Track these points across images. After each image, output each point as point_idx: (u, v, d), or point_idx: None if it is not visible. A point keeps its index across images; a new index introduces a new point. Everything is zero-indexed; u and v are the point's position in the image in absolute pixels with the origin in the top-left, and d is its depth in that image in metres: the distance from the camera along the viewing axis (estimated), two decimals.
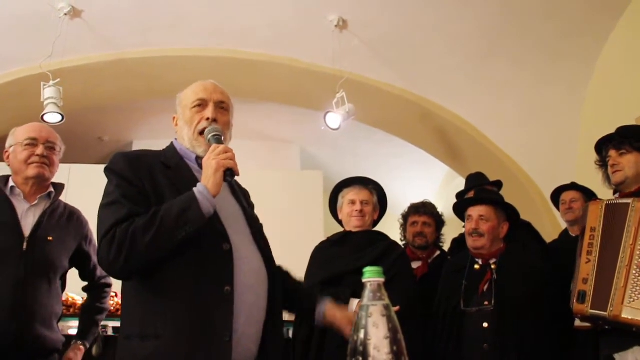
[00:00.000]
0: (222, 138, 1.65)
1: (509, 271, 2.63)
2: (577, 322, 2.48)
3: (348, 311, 1.79)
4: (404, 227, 3.66)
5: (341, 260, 2.77)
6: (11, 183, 2.23)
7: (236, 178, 1.63)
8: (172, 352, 1.41)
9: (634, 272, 2.19)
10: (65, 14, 4.10)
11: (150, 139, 6.36)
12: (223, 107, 1.74)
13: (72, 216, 2.36)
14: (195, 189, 1.50)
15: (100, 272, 2.49)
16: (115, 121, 6.39)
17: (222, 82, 1.81)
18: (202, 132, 1.68)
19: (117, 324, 2.53)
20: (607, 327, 2.29)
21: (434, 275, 3.12)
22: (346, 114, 4.42)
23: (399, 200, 5.07)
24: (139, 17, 4.32)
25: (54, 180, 2.34)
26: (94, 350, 3.04)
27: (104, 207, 1.54)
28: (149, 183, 1.56)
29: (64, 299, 2.41)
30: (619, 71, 4.26)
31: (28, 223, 2.18)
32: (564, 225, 3.62)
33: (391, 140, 5.85)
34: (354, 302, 2.58)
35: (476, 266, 2.72)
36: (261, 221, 1.80)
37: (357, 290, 2.56)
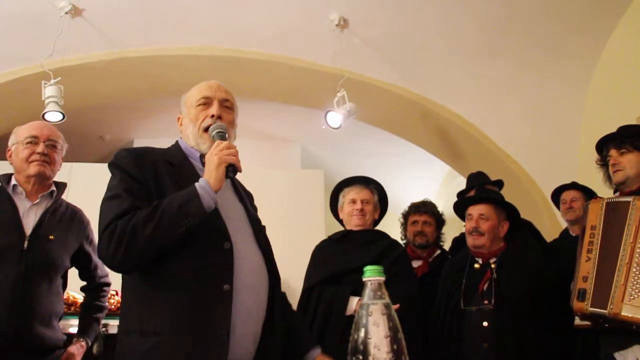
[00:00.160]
0: (226, 135, 1.65)
1: (508, 270, 2.63)
2: (577, 321, 2.48)
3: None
4: (404, 226, 3.66)
5: (342, 258, 2.77)
6: (13, 181, 2.23)
7: (239, 178, 1.63)
8: (171, 348, 1.41)
9: (634, 269, 2.19)
10: (66, 13, 4.10)
11: (151, 138, 6.36)
12: (227, 105, 1.75)
13: (74, 216, 2.36)
14: (196, 184, 1.51)
15: (100, 272, 2.49)
16: (116, 120, 6.40)
17: (223, 81, 1.81)
18: (206, 130, 1.69)
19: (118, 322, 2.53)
20: (606, 325, 2.29)
21: (434, 275, 3.12)
22: (347, 113, 4.42)
23: (399, 199, 5.08)
24: (140, 16, 4.32)
25: (56, 178, 2.34)
26: (95, 349, 3.04)
27: (106, 201, 1.54)
28: (152, 179, 1.57)
29: (64, 297, 2.41)
30: (621, 70, 4.25)
31: (29, 221, 2.18)
32: (564, 224, 3.62)
33: (392, 139, 5.85)
34: (354, 301, 2.59)
35: (476, 265, 2.72)
36: (262, 220, 1.79)
37: (357, 289, 2.56)
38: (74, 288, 2.81)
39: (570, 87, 4.64)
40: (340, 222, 3.01)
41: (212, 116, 1.69)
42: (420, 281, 3.20)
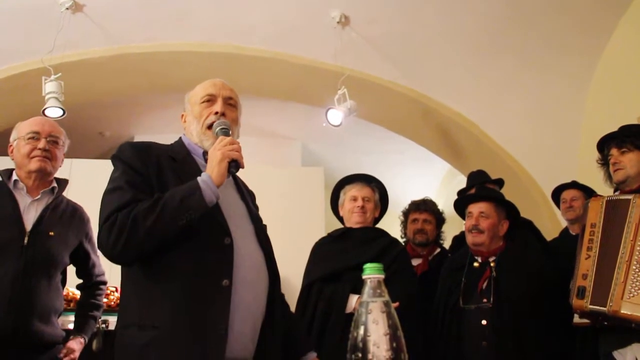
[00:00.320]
0: (230, 132, 1.66)
1: (508, 269, 2.63)
2: (576, 319, 2.48)
3: None
4: (404, 224, 3.66)
5: (341, 256, 2.77)
6: (14, 177, 2.23)
7: (239, 175, 1.63)
8: (169, 343, 1.41)
9: (634, 267, 2.19)
10: (67, 9, 4.09)
11: (151, 134, 6.35)
12: (231, 103, 1.76)
13: (75, 213, 2.36)
14: (199, 178, 1.51)
15: (97, 270, 2.49)
16: (117, 116, 6.39)
17: (223, 78, 1.82)
18: (210, 127, 1.70)
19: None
20: (605, 323, 2.29)
21: (434, 273, 3.12)
22: (347, 111, 4.41)
23: (399, 197, 5.07)
24: (140, 12, 4.31)
25: (56, 175, 2.34)
26: (94, 345, 3.04)
27: (107, 193, 1.54)
28: (155, 173, 1.57)
29: (64, 293, 2.41)
30: (622, 69, 4.24)
31: (30, 217, 2.18)
32: (564, 223, 3.62)
33: (392, 137, 5.85)
34: (354, 298, 2.59)
35: (475, 264, 2.72)
36: (262, 217, 1.80)
37: (357, 287, 2.56)
38: (74, 284, 2.81)
39: (571, 86, 4.64)
40: (340, 219, 3.01)
41: (216, 113, 1.70)
42: (420, 279, 3.20)
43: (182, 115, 1.81)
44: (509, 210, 2.79)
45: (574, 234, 3.32)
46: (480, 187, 3.37)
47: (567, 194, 3.43)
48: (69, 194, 2.40)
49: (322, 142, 7.07)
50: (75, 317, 2.45)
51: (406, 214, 3.65)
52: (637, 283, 2.16)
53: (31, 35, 4.27)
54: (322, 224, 5.58)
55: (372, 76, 4.85)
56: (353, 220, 2.87)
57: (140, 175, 1.55)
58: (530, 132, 4.87)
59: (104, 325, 3.14)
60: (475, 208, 2.75)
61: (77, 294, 3.38)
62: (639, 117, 3.79)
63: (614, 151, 2.51)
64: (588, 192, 3.34)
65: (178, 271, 1.48)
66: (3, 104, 4.84)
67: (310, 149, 7.28)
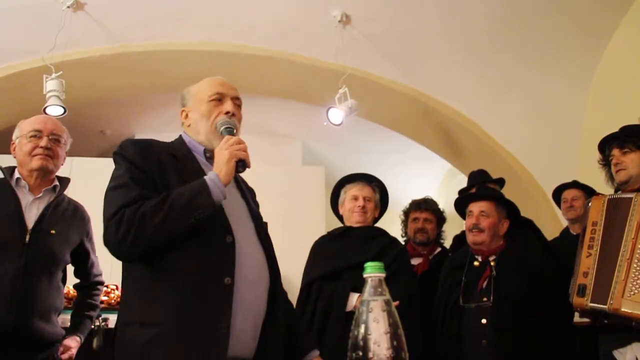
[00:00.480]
0: (235, 131, 1.66)
1: (508, 268, 2.64)
2: (576, 318, 2.48)
3: None
4: (405, 223, 3.66)
5: (341, 255, 2.78)
6: (16, 174, 2.23)
7: (241, 175, 1.64)
8: (171, 340, 1.42)
9: (635, 265, 2.19)
10: (68, 7, 4.09)
11: (152, 133, 6.36)
12: (238, 103, 1.75)
13: (76, 211, 2.36)
14: (206, 177, 1.52)
15: (95, 270, 2.49)
16: (117, 115, 6.39)
17: (224, 77, 1.81)
18: None
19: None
20: (606, 321, 2.29)
21: (434, 272, 3.12)
22: (348, 110, 4.41)
23: (400, 197, 5.07)
24: (142, 11, 4.31)
25: (57, 173, 2.34)
26: (95, 343, 3.05)
27: (112, 190, 1.53)
28: (157, 171, 1.57)
29: (65, 291, 2.41)
30: (623, 69, 4.24)
31: (32, 215, 2.18)
32: (565, 223, 3.62)
33: (393, 136, 5.84)
34: (354, 297, 2.59)
35: (475, 263, 2.73)
36: (263, 216, 1.80)
37: (357, 285, 2.57)
38: (74, 282, 2.81)
39: (572, 86, 4.64)
40: (340, 218, 3.01)
41: (227, 113, 1.69)
42: (420, 279, 3.21)
43: (183, 111, 1.78)
44: (509, 209, 2.79)
45: (574, 233, 3.32)
46: (481, 187, 3.37)
47: (567, 194, 3.43)
48: (70, 192, 2.40)
49: (323, 141, 7.07)
50: (72, 317, 2.45)
51: (407, 213, 3.65)
52: (638, 281, 2.16)
53: (32, 34, 4.28)
54: (322, 223, 5.59)
55: (373, 75, 4.85)
56: (353, 219, 2.87)
57: (144, 173, 1.55)
58: (531, 132, 4.87)
59: (104, 323, 3.14)
60: (475, 207, 2.76)
61: None
62: None
63: (615, 152, 2.51)
64: (589, 192, 3.34)
65: (180, 269, 1.48)
66: (4, 103, 4.84)
67: (311, 148, 7.28)
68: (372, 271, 1.02)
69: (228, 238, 1.53)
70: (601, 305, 2.21)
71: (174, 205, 1.45)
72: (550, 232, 3.78)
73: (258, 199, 1.89)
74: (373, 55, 4.69)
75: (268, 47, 4.71)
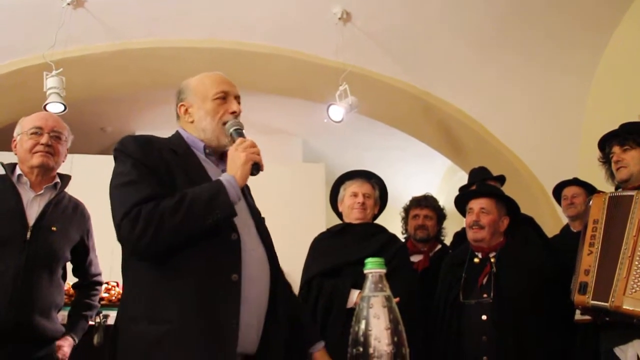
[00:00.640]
0: (244, 132, 1.67)
1: (508, 264, 2.64)
2: (577, 316, 2.48)
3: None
4: (405, 220, 3.66)
5: (341, 251, 2.78)
6: (18, 171, 2.23)
7: None
8: (182, 336, 1.42)
9: (637, 263, 2.19)
10: (68, 4, 4.09)
11: (153, 130, 6.27)
12: (238, 101, 1.76)
13: (76, 208, 2.36)
14: (222, 178, 1.53)
15: (94, 269, 2.48)
16: (118, 112, 6.39)
17: (225, 74, 1.81)
18: (224, 124, 1.69)
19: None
20: (607, 318, 2.29)
21: (435, 269, 3.12)
22: (349, 107, 4.41)
23: (400, 194, 5.07)
24: (142, 8, 4.31)
25: (58, 170, 2.34)
26: (95, 340, 3.05)
27: (121, 186, 1.53)
28: (161, 167, 1.57)
29: (65, 288, 2.41)
30: (625, 65, 4.23)
31: (33, 212, 2.18)
32: (565, 220, 3.62)
33: (393, 133, 5.84)
34: (355, 293, 2.59)
35: (476, 259, 2.73)
36: (263, 213, 1.81)
37: (357, 282, 2.57)
38: (74, 280, 2.81)
39: (573, 83, 4.63)
40: (339, 214, 3.01)
41: (233, 112, 1.70)
42: (421, 276, 3.21)
43: (182, 106, 1.76)
44: (509, 206, 2.79)
45: (575, 230, 3.32)
46: (481, 184, 3.37)
47: (568, 191, 3.43)
48: (71, 189, 2.40)
49: (323, 138, 7.07)
50: (68, 316, 2.44)
51: (407, 210, 3.65)
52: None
53: (32, 31, 4.27)
54: (323, 220, 5.59)
55: (373, 72, 4.84)
56: (353, 216, 2.87)
57: (150, 169, 1.55)
58: (532, 129, 4.87)
59: (104, 320, 3.14)
60: (475, 204, 2.76)
61: None
62: None
63: (615, 149, 2.50)
64: (589, 189, 3.34)
65: (188, 266, 1.49)
66: (5, 100, 4.84)
67: (311, 145, 7.28)
68: (373, 267, 1.02)
69: (233, 235, 1.54)
70: (603, 303, 2.21)
71: (193, 206, 1.46)
72: (551, 229, 3.78)
73: (258, 195, 1.89)
74: (373, 52, 4.69)
75: (269, 44, 4.71)
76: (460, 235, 3.42)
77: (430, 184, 7.42)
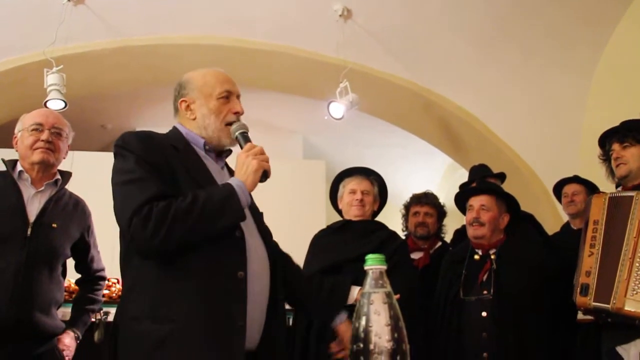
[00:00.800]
0: (249, 136, 1.68)
1: (508, 261, 2.64)
2: (580, 315, 2.48)
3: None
4: (405, 217, 3.66)
5: (341, 248, 2.78)
6: (19, 167, 2.24)
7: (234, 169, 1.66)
8: (189, 334, 1.42)
9: (637, 264, 2.19)
10: (69, 1, 4.09)
11: (153, 127, 6.28)
12: (239, 101, 1.76)
13: (77, 205, 2.36)
14: (232, 183, 1.54)
15: (96, 265, 2.48)
16: (118, 109, 6.39)
17: (225, 71, 1.81)
18: (227, 124, 1.70)
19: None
20: (609, 319, 2.29)
21: (435, 267, 3.13)
22: (349, 104, 4.41)
23: (401, 191, 5.08)
24: (142, 5, 4.31)
25: (60, 167, 2.34)
26: (96, 336, 3.05)
27: (126, 184, 1.52)
28: (164, 163, 1.57)
29: (66, 285, 2.41)
30: (626, 62, 4.23)
31: (33, 208, 2.18)
32: (565, 218, 3.62)
33: (394, 130, 5.84)
34: (355, 290, 2.60)
35: (476, 256, 2.74)
36: (263, 210, 1.82)
37: (358, 278, 2.57)
38: (75, 275, 2.82)
39: (574, 80, 4.62)
40: (339, 212, 3.01)
41: (236, 113, 1.71)
42: (421, 273, 3.21)
43: (183, 101, 1.75)
44: (509, 203, 2.80)
45: (575, 228, 3.33)
46: (481, 181, 3.38)
47: (568, 189, 3.43)
48: (71, 186, 2.40)
49: (324, 135, 7.07)
50: (72, 311, 2.44)
51: (407, 207, 3.66)
52: None
53: (33, 28, 4.27)
54: (323, 217, 5.60)
55: (374, 69, 4.84)
56: (352, 213, 2.87)
57: (152, 165, 1.54)
58: (532, 126, 4.87)
59: (105, 317, 3.15)
60: (476, 201, 2.76)
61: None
62: None
63: (615, 146, 2.50)
64: (590, 187, 3.34)
65: (193, 265, 1.48)
66: (5, 97, 4.84)
67: (311, 142, 7.28)
68: (373, 263, 1.02)
69: (237, 233, 1.55)
70: (604, 305, 2.21)
71: (205, 209, 1.46)
72: (551, 227, 3.78)
73: (259, 192, 1.88)
74: (374, 49, 4.69)
75: (269, 41, 4.71)
76: (460, 233, 3.42)
77: (431, 181, 7.43)
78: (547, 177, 4.55)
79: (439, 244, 3.57)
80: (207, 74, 1.76)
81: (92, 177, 3.36)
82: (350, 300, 2.59)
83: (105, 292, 3.50)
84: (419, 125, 5.51)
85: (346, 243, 2.79)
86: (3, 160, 2.30)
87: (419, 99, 5.01)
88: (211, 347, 1.43)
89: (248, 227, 1.61)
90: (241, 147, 1.65)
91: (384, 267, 1.02)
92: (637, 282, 2.17)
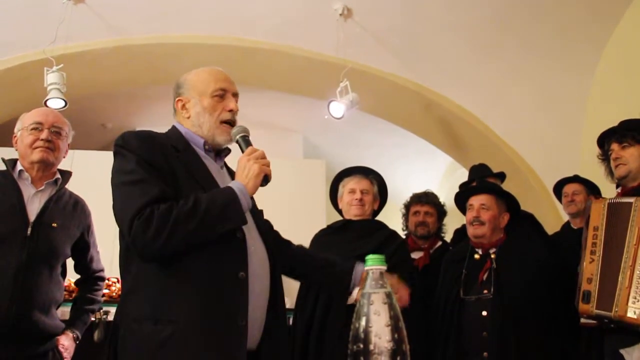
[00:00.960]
0: (250, 139, 1.68)
1: (508, 261, 2.65)
2: (583, 319, 2.48)
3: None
4: (406, 216, 3.66)
5: (342, 248, 2.77)
6: (19, 166, 2.23)
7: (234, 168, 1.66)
8: (189, 337, 1.42)
9: (638, 272, 2.19)
10: (69, 0, 4.09)
11: (153, 126, 6.30)
12: (236, 99, 1.76)
13: (77, 205, 2.35)
14: (234, 186, 1.54)
15: (95, 265, 2.48)
16: (119, 108, 6.39)
17: (225, 70, 1.81)
18: (223, 122, 1.70)
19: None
20: (612, 325, 2.29)
21: (435, 266, 3.13)
22: (350, 103, 4.41)
23: (401, 190, 5.08)
24: (143, 4, 4.30)
25: (59, 166, 2.34)
26: (96, 336, 3.06)
27: (127, 185, 1.51)
28: (164, 163, 1.57)
29: (66, 284, 2.41)
30: (626, 62, 4.22)
31: (34, 208, 2.18)
32: (566, 217, 3.62)
33: (394, 130, 5.84)
34: (355, 290, 2.59)
35: (476, 256, 2.74)
36: (263, 209, 1.81)
37: None
38: (75, 275, 2.81)
39: (575, 79, 4.62)
40: (340, 212, 3.01)
41: (230, 111, 1.71)
42: (421, 272, 3.21)
43: (179, 101, 1.75)
44: (509, 202, 2.80)
45: (575, 227, 3.32)
46: (481, 180, 3.37)
47: (568, 188, 3.43)
48: (71, 185, 2.39)
49: (324, 135, 7.06)
50: (71, 311, 2.44)
51: (407, 206, 3.66)
52: None
53: (33, 27, 4.27)
54: (323, 216, 5.59)
55: (374, 69, 4.84)
56: (351, 212, 2.87)
57: (153, 166, 1.54)
58: (533, 126, 4.87)
59: (104, 316, 3.15)
60: (476, 200, 2.77)
61: None
62: None
63: (614, 146, 2.50)
64: (590, 186, 3.34)
65: (195, 265, 1.48)
66: (5, 96, 4.84)
67: (311, 142, 7.28)
68: (374, 264, 1.02)
69: (238, 234, 1.55)
70: (606, 312, 2.22)
71: (208, 213, 1.46)
72: (551, 226, 3.78)
73: (259, 192, 1.89)
74: (374, 48, 4.68)
75: (269, 40, 4.70)
76: (460, 232, 3.42)
77: (431, 180, 7.42)
78: (547, 176, 4.55)
79: (439, 243, 3.57)
80: (202, 73, 1.76)
81: (92, 177, 3.35)
82: (350, 301, 2.59)
83: (105, 291, 3.50)
84: (419, 125, 5.51)
85: (346, 243, 2.79)
86: (3, 160, 2.30)
87: (419, 98, 5.01)
88: (212, 347, 1.42)
89: (249, 228, 1.61)
90: (242, 151, 1.65)
91: (384, 267, 1.02)
92: (638, 290, 2.16)
